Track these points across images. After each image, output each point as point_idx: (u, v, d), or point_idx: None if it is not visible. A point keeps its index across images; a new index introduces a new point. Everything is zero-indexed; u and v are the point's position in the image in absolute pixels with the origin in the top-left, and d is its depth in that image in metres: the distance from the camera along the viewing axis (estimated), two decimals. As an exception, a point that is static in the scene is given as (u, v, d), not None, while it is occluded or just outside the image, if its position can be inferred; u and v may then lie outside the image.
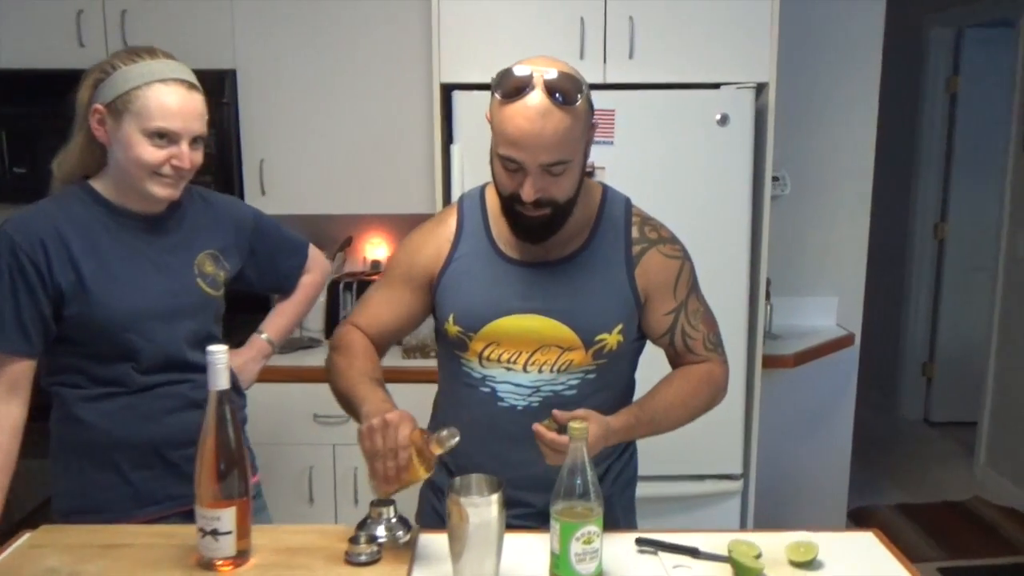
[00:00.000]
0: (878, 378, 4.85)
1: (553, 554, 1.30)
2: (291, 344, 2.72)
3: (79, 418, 1.53)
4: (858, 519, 3.58)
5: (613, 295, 1.51)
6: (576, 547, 1.27)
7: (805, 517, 3.31)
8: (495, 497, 1.25)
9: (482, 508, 1.24)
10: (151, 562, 1.34)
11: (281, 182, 2.80)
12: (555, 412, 1.34)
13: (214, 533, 1.29)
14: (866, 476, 3.88)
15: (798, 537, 1.42)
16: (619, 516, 1.63)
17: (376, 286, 1.63)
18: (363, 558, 1.33)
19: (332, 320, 2.84)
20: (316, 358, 2.64)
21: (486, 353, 1.50)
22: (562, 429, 1.32)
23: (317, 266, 1.91)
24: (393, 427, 1.27)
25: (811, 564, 1.35)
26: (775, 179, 2.87)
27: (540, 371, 1.49)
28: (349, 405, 1.44)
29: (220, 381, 1.29)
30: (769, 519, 3.11)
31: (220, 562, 1.31)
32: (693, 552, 1.39)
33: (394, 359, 2.71)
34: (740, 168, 2.50)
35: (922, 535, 3.54)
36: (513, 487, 1.52)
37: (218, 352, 1.28)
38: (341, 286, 2.84)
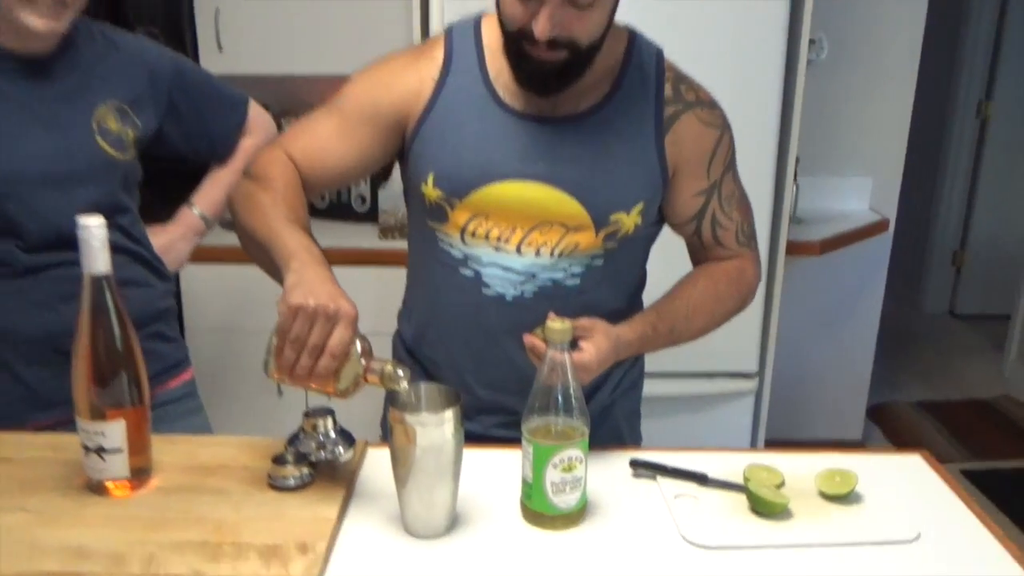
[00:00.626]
0: (903, 267, 4.54)
1: (525, 482, 1.04)
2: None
3: (-44, 303, 1.25)
4: (876, 417, 3.35)
5: (636, 166, 1.20)
6: (553, 475, 1.01)
7: (822, 417, 3.08)
8: (450, 414, 0.97)
9: (431, 428, 0.97)
10: (30, 482, 1.08)
11: (240, 37, 2.43)
12: (553, 315, 1.05)
13: (100, 451, 1.03)
14: (887, 372, 3.62)
15: (831, 462, 1.15)
16: (621, 425, 1.37)
17: (324, 114, 1.25)
18: (290, 482, 1.07)
19: (338, 194, 2.52)
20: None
21: (471, 227, 1.20)
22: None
23: (259, 127, 1.59)
24: (331, 322, 0.98)
25: (847, 497, 1.09)
26: (812, 42, 2.49)
27: (537, 254, 1.20)
28: (264, 252, 1.10)
29: (95, 262, 1.00)
30: (784, 421, 2.87)
31: (111, 484, 1.05)
32: (700, 479, 1.13)
33: (369, 240, 2.42)
34: (774, 26, 2.13)
35: (944, 434, 3.31)
36: (494, 390, 1.25)
37: (93, 226, 0.99)
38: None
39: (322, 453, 1.12)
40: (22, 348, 1.27)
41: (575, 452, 1.01)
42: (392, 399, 0.99)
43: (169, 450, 1.15)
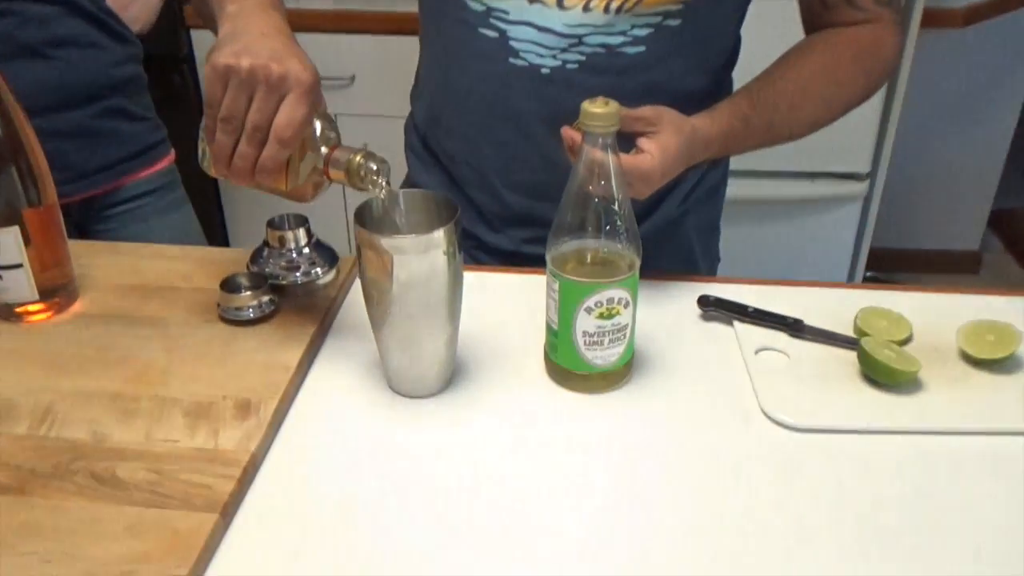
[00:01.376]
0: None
1: (550, 329, 0.76)
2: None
3: None
4: (997, 224, 2.92)
5: None
6: (586, 322, 0.72)
7: (936, 223, 2.68)
8: (440, 236, 0.68)
9: (414, 256, 0.68)
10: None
11: None
12: (598, 99, 0.71)
13: (-8, 267, 0.79)
14: (1020, 172, 3.14)
15: (983, 308, 0.83)
16: (693, 242, 1.07)
17: None
18: (247, 313, 0.82)
19: None
20: None
21: None
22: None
23: None
24: (276, 92, 0.68)
25: (1004, 363, 0.78)
26: None
27: (586, 8, 0.85)
28: None
29: None
30: (892, 231, 2.50)
31: (19, 309, 0.82)
32: (793, 326, 0.83)
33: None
34: None
35: (1074, 248, 2.89)
36: (525, 195, 0.96)
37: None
38: None
39: (291, 275, 0.86)
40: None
41: (619, 292, 0.72)
42: (360, 212, 0.70)
43: (109, 263, 0.91)
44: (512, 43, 0.88)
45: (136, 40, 1.18)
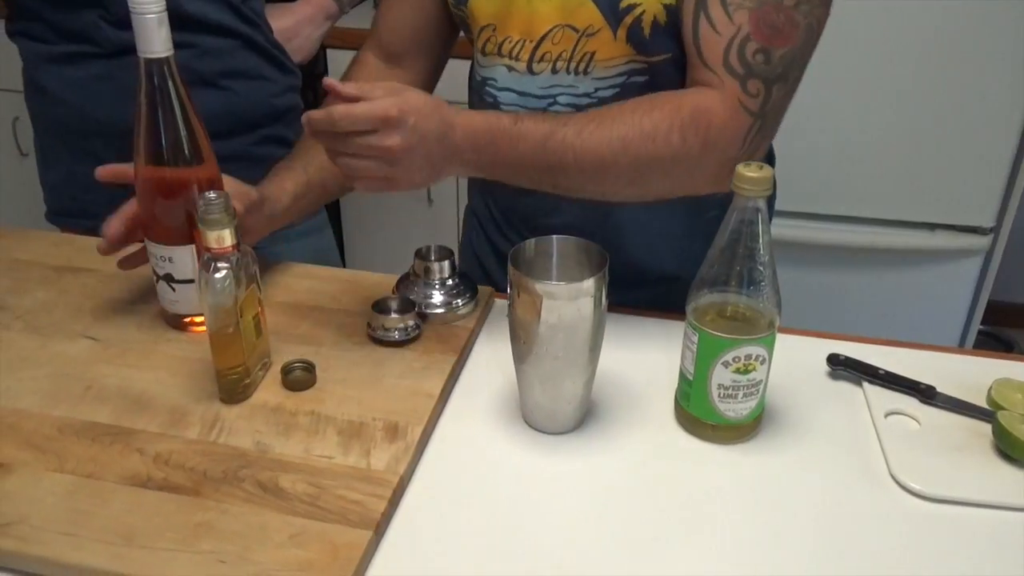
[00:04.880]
0: None
1: (684, 378, 0.78)
2: None
3: (44, 87, 1.09)
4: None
5: None
6: (722, 375, 0.75)
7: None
8: (590, 284, 0.72)
9: (563, 302, 0.72)
10: (106, 304, 0.94)
11: None
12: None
13: (169, 279, 0.86)
14: None
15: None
16: None
17: None
18: (393, 335, 0.87)
19: None
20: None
21: (483, 38, 0.95)
22: None
23: None
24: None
25: None
26: None
27: (554, 70, 0.90)
28: None
29: (150, 43, 0.78)
30: (1008, 284, 2.42)
31: (188, 320, 0.89)
32: (926, 392, 0.83)
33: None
34: None
35: None
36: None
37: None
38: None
39: (434, 303, 0.91)
40: (115, 142, 1.10)
41: (757, 349, 0.74)
42: (515, 254, 0.75)
43: (265, 280, 0.98)
44: (502, 107, 0.95)
45: (297, 71, 1.26)
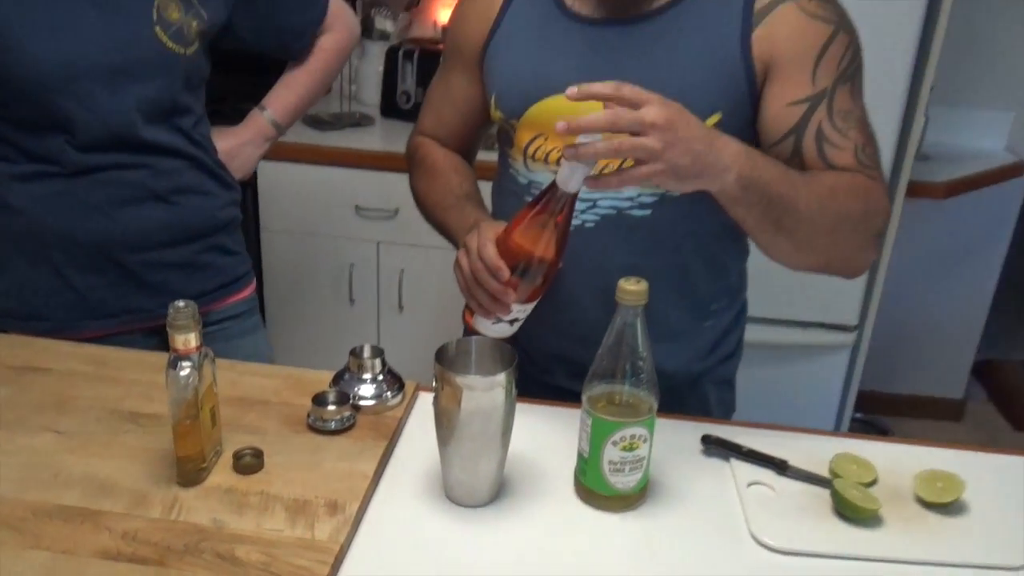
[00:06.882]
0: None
1: (581, 456, 0.93)
2: (339, 120, 2.33)
3: (6, 201, 1.20)
4: (981, 374, 3.10)
5: (713, 68, 1.01)
6: (612, 453, 0.90)
7: (922, 371, 2.87)
8: (502, 378, 0.87)
9: (480, 393, 0.86)
10: (66, 400, 1.04)
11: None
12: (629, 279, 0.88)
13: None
14: (1000, 330, 3.34)
15: (937, 459, 1.01)
16: (708, 392, 1.24)
17: (435, 77, 1.27)
18: (331, 425, 1.00)
19: (389, 94, 2.41)
20: (367, 139, 2.26)
21: (531, 149, 1.10)
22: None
23: (340, 24, 1.46)
24: (475, 245, 0.98)
25: (949, 507, 0.95)
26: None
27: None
28: (450, 239, 1.16)
29: (567, 185, 0.92)
30: (880, 371, 2.69)
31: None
32: (779, 466, 1.00)
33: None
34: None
35: (1056, 400, 3.06)
36: (560, 336, 1.14)
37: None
38: (401, 54, 2.37)
39: (366, 395, 1.04)
40: (74, 253, 1.22)
41: (639, 430, 0.90)
42: (440, 353, 0.89)
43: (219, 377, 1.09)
44: None
45: (238, 187, 1.40)
